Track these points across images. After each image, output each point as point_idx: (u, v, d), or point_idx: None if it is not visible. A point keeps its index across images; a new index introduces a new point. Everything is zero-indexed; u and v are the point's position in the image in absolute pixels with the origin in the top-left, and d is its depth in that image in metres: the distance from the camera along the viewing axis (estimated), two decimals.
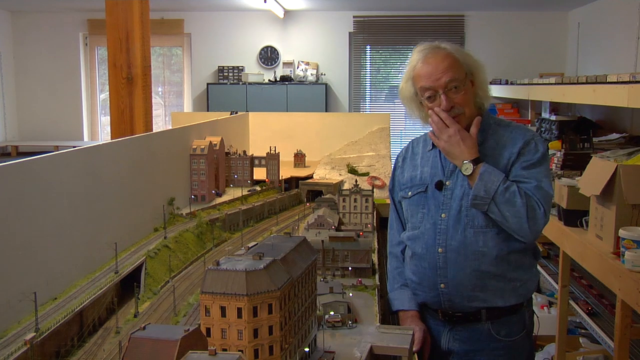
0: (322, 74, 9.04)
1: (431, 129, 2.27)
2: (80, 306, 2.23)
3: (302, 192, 4.64)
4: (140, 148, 3.32)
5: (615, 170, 2.78)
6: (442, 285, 2.16)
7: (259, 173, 4.71)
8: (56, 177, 2.43)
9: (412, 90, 2.22)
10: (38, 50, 9.21)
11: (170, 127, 6.60)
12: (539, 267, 2.53)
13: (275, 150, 4.73)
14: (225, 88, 8.93)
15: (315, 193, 4.56)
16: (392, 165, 5.10)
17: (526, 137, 2.14)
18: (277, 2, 8.04)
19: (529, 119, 6.94)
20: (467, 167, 2.07)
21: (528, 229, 2.03)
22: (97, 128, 9.71)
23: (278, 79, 8.96)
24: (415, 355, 2.20)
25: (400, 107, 9.28)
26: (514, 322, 2.19)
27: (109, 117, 4.78)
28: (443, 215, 2.16)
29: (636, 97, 3.10)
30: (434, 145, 2.25)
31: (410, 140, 2.49)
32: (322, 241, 2.94)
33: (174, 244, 3.11)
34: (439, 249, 2.15)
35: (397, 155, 2.47)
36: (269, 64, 9.18)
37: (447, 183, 2.18)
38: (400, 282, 2.37)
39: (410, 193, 2.28)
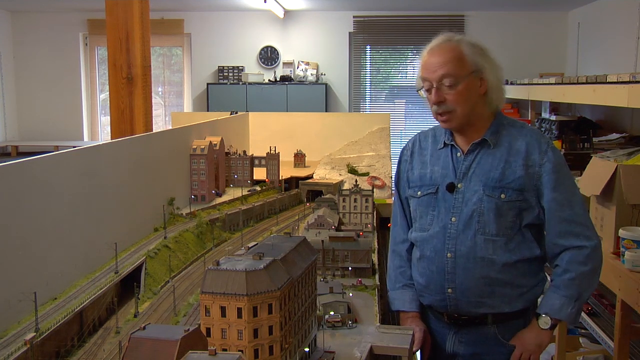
0: (322, 74, 9.04)
1: (437, 124, 2.24)
2: (80, 306, 2.23)
3: (302, 192, 4.65)
4: (140, 148, 3.32)
5: (615, 170, 2.78)
6: (449, 290, 2.13)
7: (259, 173, 4.71)
8: (56, 177, 2.43)
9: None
10: (38, 50, 9.20)
11: (170, 127, 6.60)
12: None
13: (275, 150, 4.73)
14: (225, 88, 8.92)
15: (315, 193, 4.56)
16: (392, 161, 5.06)
17: (542, 147, 2.09)
18: (277, 2, 8.04)
19: (529, 119, 6.93)
20: (547, 321, 2.12)
21: (601, 264, 2.15)
22: (97, 128, 9.71)
23: (278, 79, 8.96)
24: (416, 355, 2.20)
25: (401, 107, 9.29)
26: (521, 326, 2.17)
27: (109, 117, 4.78)
28: (453, 219, 2.12)
29: (636, 97, 3.09)
30: (445, 144, 2.21)
31: (413, 134, 2.43)
32: (322, 241, 2.94)
33: (174, 244, 3.11)
34: (448, 254, 2.12)
35: (403, 148, 2.38)
36: (269, 64, 9.18)
37: (458, 186, 2.13)
38: (402, 282, 2.34)
39: (419, 193, 2.23)
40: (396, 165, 2.44)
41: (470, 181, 2.12)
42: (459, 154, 2.17)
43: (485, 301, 2.12)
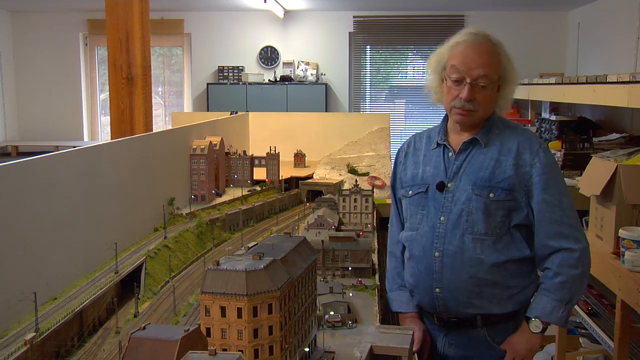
0: (322, 74, 9.04)
1: (434, 125, 2.25)
2: (80, 306, 2.23)
3: (302, 192, 4.65)
4: (140, 148, 3.32)
5: (615, 170, 2.78)
6: (437, 290, 2.13)
7: (259, 173, 4.71)
8: (56, 177, 2.43)
9: (444, 61, 2.14)
10: (38, 50, 9.21)
11: (170, 127, 6.60)
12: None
13: (275, 150, 4.73)
14: (225, 88, 8.93)
15: (315, 193, 4.56)
16: (392, 161, 5.07)
17: (533, 148, 2.09)
18: (277, 2, 8.04)
19: (529, 119, 6.94)
20: (538, 325, 2.10)
21: (590, 267, 2.14)
22: (97, 128, 9.71)
23: (278, 79, 8.96)
24: (415, 355, 2.20)
25: (401, 107, 9.29)
26: (511, 329, 2.16)
27: (109, 117, 4.78)
28: (442, 218, 2.12)
29: (636, 97, 3.09)
30: (438, 144, 2.21)
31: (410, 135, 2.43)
32: (322, 241, 2.94)
33: (174, 244, 3.11)
34: (436, 253, 2.12)
35: (399, 150, 2.39)
36: (269, 64, 9.18)
37: (448, 185, 2.13)
38: (399, 283, 2.35)
39: (410, 192, 2.23)
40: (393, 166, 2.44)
41: (461, 180, 2.12)
42: (450, 154, 2.18)
43: (474, 302, 2.11)
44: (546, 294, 2.09)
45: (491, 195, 2.07)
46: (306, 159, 5.41)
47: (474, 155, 2.13)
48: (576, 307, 3.39)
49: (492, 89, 2.09)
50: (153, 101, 4.65)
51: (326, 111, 8.75)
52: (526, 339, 2.11)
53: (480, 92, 2.07)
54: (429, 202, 2.17)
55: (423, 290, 2.18)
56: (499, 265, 2.08)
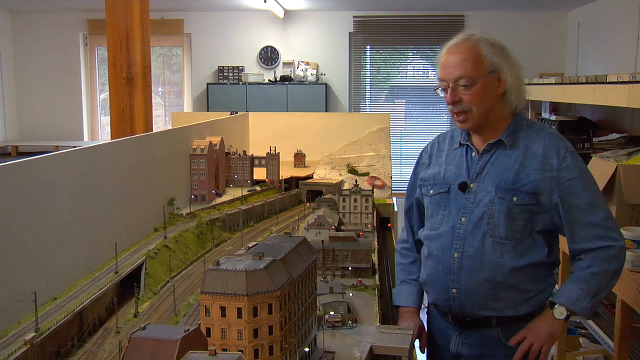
0: (322, 74, 9.04)
1: (443, 125, 2.26)
2: (80, 306, 2.23)
3: (302, 192, 4.65)
4: (140, 148, 3.32)
5: (615, 170, 2.79)
6: (453, 290, 2.12)
7: (259, 173, 4.71)
8: (56, 177, 2.43)
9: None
10: (38, 50, 9.20)
11: (170, 127, 6.60)
12: None
13: (275, 150, 4.73)
14: (225, 88, 8.92)
15: (315, 193, 4.56)
16: (392, 161, 5.03)
17: (560, 152, 2.06)
18: (277, 2, 8.04)
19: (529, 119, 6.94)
20: (562, 312, 2.05)
21: (623, 266, 2.09)
22: (97, 128, 9.71)
23: (278, 79, 8.96)
24: (416, 355, 2.20)
25: (401, 107, 9.29)
26: None
27: (109, 117, 4.78)
28: (463, 219, 2.11)
29: (636, 97, 3.09)
30: (461, 144, 2.20)
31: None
32: (322, 241, 2.94)
33: (174, 244, 3.11)
34: (455, 254, 2.11)
35: (422, 151, 2.38)
36: (269, 64, 9.18)
37: (471, 186, 2.12)
38: (400, 279, 2.37)
39: (432, 191, 2.22)
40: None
41: (484, 182, 2.10)
42: (473, 154, 2.16)
43: (490, 304, 2.10)
44: (575, 282, 2.05)
45: (514, 199, 2.05)
46: (306, 159, 5.41)
47: (498, 157, 2.11)
48: None
49: (480, 86, 2.06)
50: (153, 101, 4.65)
51: (326, 111, 8.74)
52: (549, 325, 2.06)
53: (465, 92, 2.06)
54: (451, 202, 2.15)
55: (439, 290, 2.18)
56: (518, 270, 2.06)
